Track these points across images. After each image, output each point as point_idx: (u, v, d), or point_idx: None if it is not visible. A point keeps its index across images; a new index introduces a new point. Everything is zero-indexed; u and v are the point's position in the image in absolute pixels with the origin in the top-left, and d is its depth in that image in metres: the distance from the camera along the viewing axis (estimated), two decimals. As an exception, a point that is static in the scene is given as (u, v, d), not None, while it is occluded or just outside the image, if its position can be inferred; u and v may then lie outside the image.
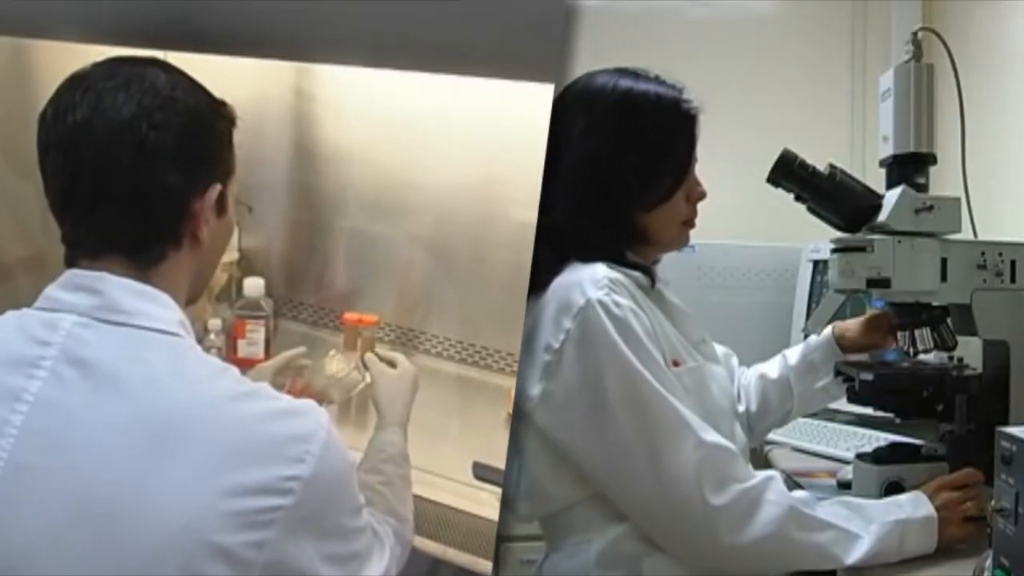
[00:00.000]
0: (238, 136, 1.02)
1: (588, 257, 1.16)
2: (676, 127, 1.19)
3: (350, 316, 1.66)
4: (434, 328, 1.76)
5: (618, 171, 1.16)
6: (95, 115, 0.88)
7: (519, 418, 1.17)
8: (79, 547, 0.77)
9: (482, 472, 1.44)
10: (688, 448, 1.06)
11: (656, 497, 1.08)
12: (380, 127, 1.71)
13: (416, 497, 1.27)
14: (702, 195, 1.24)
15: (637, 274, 1.18)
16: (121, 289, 0.88)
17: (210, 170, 0.95)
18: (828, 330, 1.48)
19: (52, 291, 0.89)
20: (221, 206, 0.97)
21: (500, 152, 1.52)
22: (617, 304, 1.10)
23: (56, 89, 0.91)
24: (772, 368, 1.50)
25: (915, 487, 1.22)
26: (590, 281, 1.12)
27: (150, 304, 0.89)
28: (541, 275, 1.15)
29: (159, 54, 1.03)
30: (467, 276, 1.69)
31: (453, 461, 1.54)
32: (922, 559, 1.14)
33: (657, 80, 1.21)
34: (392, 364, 1.41)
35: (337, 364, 1.59)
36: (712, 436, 1.09)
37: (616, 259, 1.17)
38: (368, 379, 1.44)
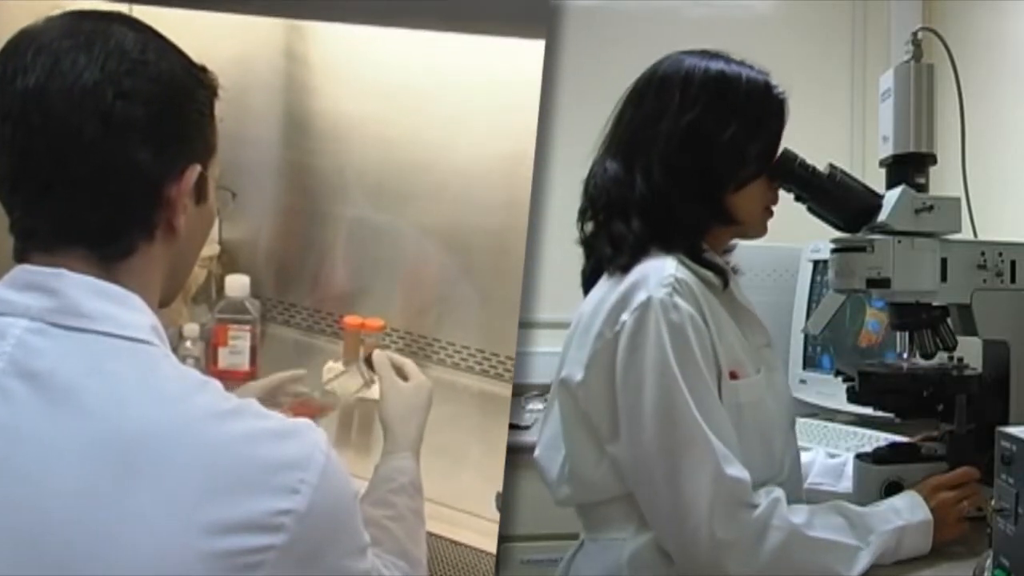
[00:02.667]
0: (220, 107, 1.00)
1: (669, 242, 1.29)
2: (769, 107, 1.36)
3: (351, 320, 1.65)
4: (450, 335, 1.76)
5: (716, 142, 1.31)
6: (50, 80, 0.86)
7: (554, 395, 1.34)
8: None
9: (507, 505, 1.43)
10: (707, 478, 1.20)
11: (669, 516, 1.23)
12: (385, 96, 1.71)
13: (430, 535, 1.27)
14: None
15: (709, 273, 1.31)
16: (82, 289, 0.87)
17: (187, 148, 0.94)
18: None
19: (-1, 291, 0.88)
20: (200, 191, 0.96)
21: (527, 126, 1.51)
22: (676, 307, 1.23)
23: (2, 48, 0.90)
24: None
25: (913, 487, 1.38)
26: (656, 278, 1.24)
27: (116, 306, 0.88)
28: (622, 255, 1.29)
29: (125, 8, 1.02)
30: (488, 273, 1.69)
31: (473, 492, 1.53)
32: (921, 559, 1.30)
33: (746, 64, 1.37)
34: (402, 373, 1.39)
35: (338, 378, 1.59)
36: (733, 469, 1.21)
37: (693, 253, 1.31)
38: (374, 382, 1.42)
